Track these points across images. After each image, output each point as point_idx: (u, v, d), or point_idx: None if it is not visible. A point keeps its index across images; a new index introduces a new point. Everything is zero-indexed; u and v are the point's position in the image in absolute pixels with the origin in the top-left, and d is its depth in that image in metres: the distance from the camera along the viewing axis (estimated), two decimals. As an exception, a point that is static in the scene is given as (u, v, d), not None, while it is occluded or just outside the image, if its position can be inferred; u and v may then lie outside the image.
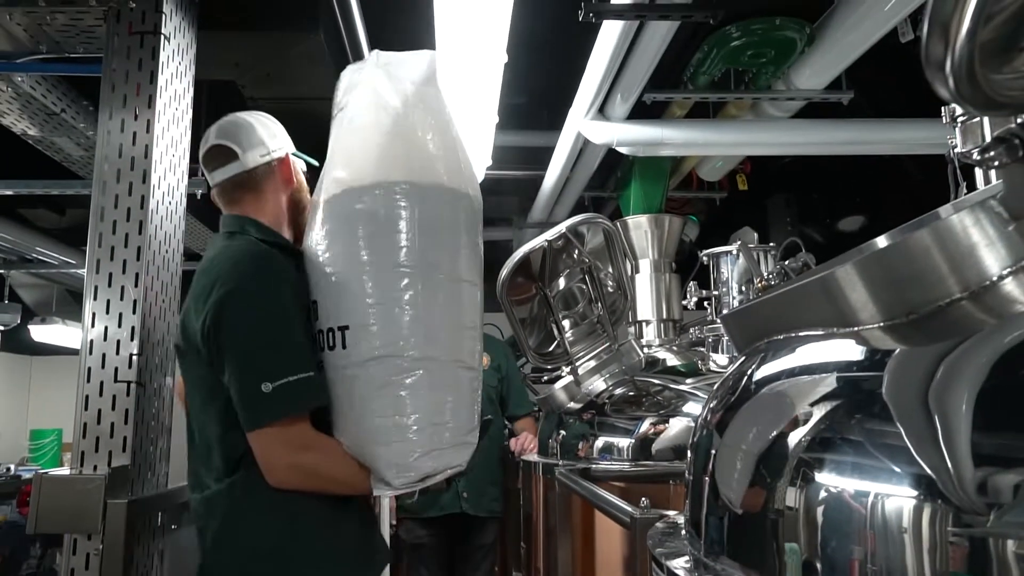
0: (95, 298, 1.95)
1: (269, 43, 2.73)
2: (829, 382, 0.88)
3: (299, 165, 1.78)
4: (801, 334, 0.90)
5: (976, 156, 0.65)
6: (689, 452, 1.11)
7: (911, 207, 1.15)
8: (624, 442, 2.58)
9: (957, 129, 1.17)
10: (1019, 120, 0.63)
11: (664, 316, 3.34)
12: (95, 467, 1.88)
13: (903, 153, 3.47)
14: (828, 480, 0.79)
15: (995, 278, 0.71)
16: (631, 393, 2.75)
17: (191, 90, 2.25)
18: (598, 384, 2.85)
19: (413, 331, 1.43)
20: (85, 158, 3.41)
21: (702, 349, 3.04)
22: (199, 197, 3.58)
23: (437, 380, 1.46)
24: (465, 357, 1.52)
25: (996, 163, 0.63)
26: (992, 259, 0.72)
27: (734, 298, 2.94)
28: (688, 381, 2.70)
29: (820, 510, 0.79)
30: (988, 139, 1.11)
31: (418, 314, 1.43)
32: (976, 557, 0.67)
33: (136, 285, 1.96)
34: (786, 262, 1.35)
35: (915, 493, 0.71)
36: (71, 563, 1.83)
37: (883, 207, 4.76)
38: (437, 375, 1.46)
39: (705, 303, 3.08)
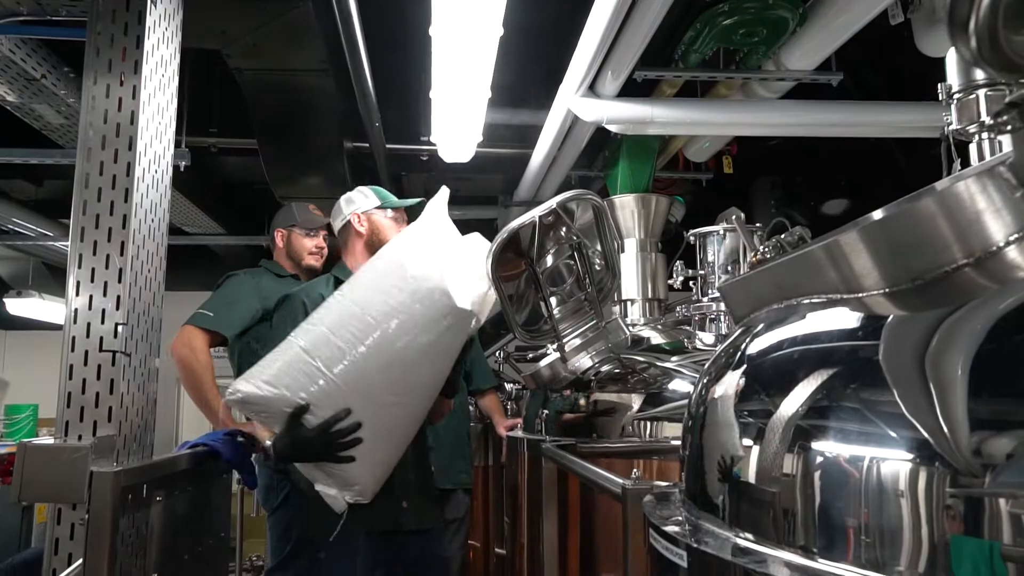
0: (80, 266, 1.92)
1: (255, 11, 2.68)
2: (830, 348, 0.89)
3: (382, 214, 2.45)
4: (804, 301, 0.91)
5: (989, 121, 0.66)
6: (686, 420, 1.12)
7: (895, 190, 1.16)
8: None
9: (952, 106, 1.18)
10: (1032, 85, 0.63)
11: (649, 295, 3.36)
12: (80, 436, 1.86)
13: (890, 136, 3.50)
14: (829, 447, 0.80)
15: (1000, 244, 0.72)
16: (617, 371, 2.76)
17: (178, 56, 2.21)
18: (584, 361, 2.86)
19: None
20: (65, 126, 3.35)
21: (687, 328, 3.06)
22: (182, 169, 3.54)
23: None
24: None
25: (1009, 128, 0.64)
26: (998, 226, 0.73)
27: (720, 278, 2.96)
28: (673, 359, 2.72)
29: (822, 475, 0.80)
30: (984, 115, 1.12)
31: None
32: (973, 517, 0.68)
33: (122, 254, 1.93)
34: (782, 236, 1.36)
35: (912, 456, 0.72)
36: (55, 533, 1.81)
37: (867, 190, 4.81)
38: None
39: (691, 283, 3.10)
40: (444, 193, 2.18)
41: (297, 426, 1.85)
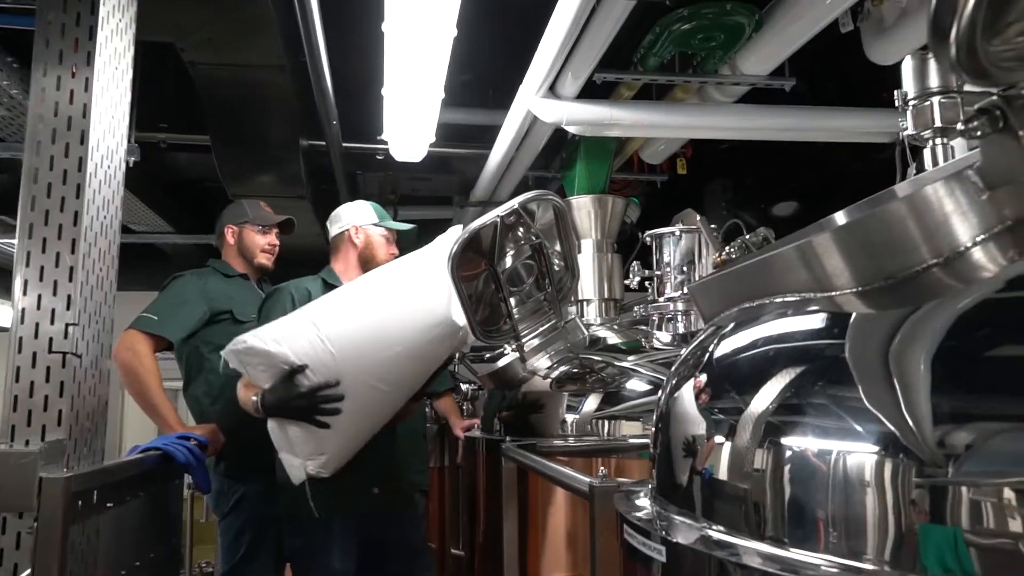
0: (27, 264, 1.84)
1: (211, 4, 2.62)
2: (800, 346, 0.91)
3: (377, 231, 2.66)
4: (776, 300, 0.93)
5: (960, 127, 0.69)
6: (657, 417, 1.13)
7: (843, 193, 1.20)
8: (569, 418, 2.62)
9: (908, 112, 1.22)
10: (1000, 92, 0.66)
11: (606, 296, 3.39)
12: (27, 442, 1.79)
13: (842, 140, 3.60)
14: (799, 441, 0.82)
15: (967, 245, 0.75)
16: (575, 370, 2.78)
17: (132, 49, 2.14)
18: (543, 361, 2.87)
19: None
20: (8, 118, 3.22)
21: (644, 328, 3.10)
22: (130, 165, 3.43)
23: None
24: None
25: (978, 133, 0.66)
26: (964, 228, 0.76)
27: (676, 278, 3.00)
28: (630, 358, 2.75)
29: (793, 469, 0.81)
30: (938, 121, 1.17)
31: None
32: (938, 505, 0.70)
33: (73, 252, 1.86)
34: (747, 236, 1.39)
35: (878, 449, 0.74)
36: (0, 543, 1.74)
37: (815, 193, 4.94)
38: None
39: (647, 283, 3.14)
40: (457, 229, 2.49)
41: (290, 384, 2.06)
